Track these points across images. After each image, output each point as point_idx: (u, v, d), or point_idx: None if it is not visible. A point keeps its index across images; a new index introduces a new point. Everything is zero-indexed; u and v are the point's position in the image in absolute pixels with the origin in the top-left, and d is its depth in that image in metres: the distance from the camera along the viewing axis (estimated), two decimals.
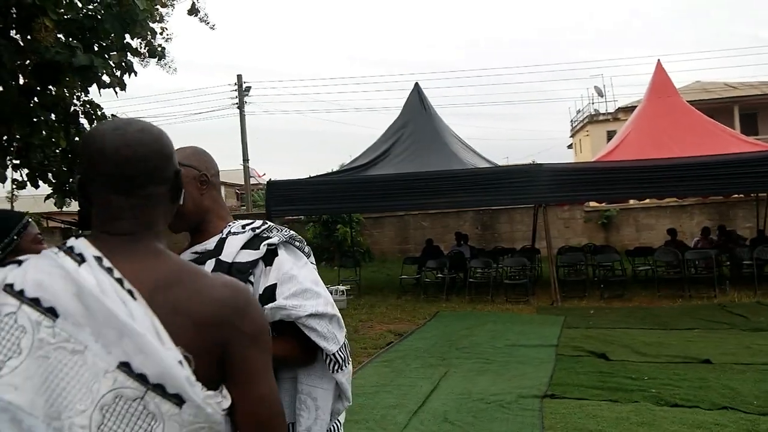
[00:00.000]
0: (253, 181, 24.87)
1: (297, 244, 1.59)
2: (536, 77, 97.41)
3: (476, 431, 4.12)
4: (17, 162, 7.21)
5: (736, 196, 14.17)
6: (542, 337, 7.04)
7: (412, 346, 6.90)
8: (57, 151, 7.38)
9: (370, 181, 10.63)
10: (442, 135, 11.97)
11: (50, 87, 6.85)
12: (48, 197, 7.22)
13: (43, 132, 7.30)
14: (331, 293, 7.91)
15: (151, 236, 0.98)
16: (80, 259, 0.90)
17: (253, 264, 1.49)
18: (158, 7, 8.13)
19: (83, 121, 7.46)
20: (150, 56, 8.45)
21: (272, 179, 11.40)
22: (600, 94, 28.96)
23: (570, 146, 36.41)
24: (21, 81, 6.66)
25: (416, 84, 12.73)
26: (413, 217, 17.85)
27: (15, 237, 1.80)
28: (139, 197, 0.97)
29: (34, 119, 6.74)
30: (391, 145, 11.73)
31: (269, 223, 1.61)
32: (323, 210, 13.59)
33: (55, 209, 8.22)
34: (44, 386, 0.85)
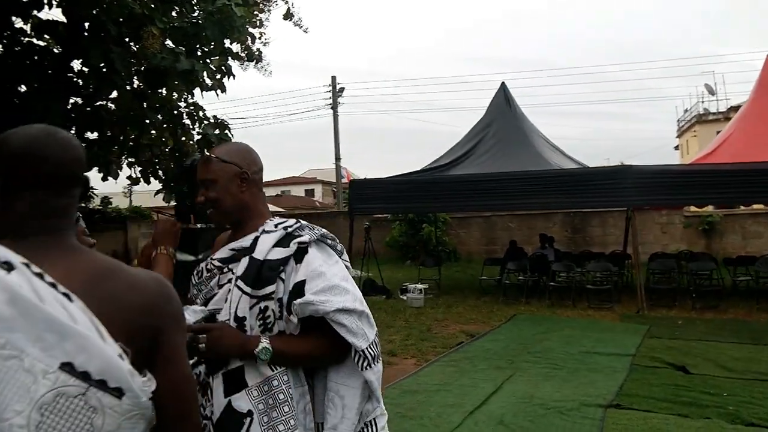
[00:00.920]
0: (344, 180, 25.54)
1: (329, 242, 1.62)
2: (641, 74, 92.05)
3: None
4: (131, 160, 7.96)
5: None
6: (620, 345, 6.78)
7: (482, 347, 6.88)
8: (165, 150, 8.07)
9: (450, 181, 10.64)
10: (527, 135, 11.76)
11: (159, 90, 7.52)
12: (157, 192, 7.89)
13: (152, 132, 8.03)
14: (409, 292, 8.14)
15: (72, 234, 1.07)
16: (8, 266, 0.92)
17: (284, 261, 1.52)
18: (256, 12, 8.67)
19: (186, 121, 8.12)
20: (248, 60, 9.03)
21: (354, 178, 11.71)
22: (711, 92, 27.07)
23: (677, 147, 34.26)
24: (134, 86, 7.36)
25: (502, 83, 12.58)
26: (500, 217, 17.58)
27: None
28: (68, 197, 1.06)
29: (145, 121, 7.42)
30: (475, 145, 11.67)
31: (302, 222, 1.65)
32: (404, 209, 13.72)
33: (164, 204, 8.96)
34: None
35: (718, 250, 14.12)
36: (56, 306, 0.91)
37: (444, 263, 15.53)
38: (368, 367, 1.50)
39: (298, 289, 1.50)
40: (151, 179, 8.07)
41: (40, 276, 0.93)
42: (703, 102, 27.29)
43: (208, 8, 6.83)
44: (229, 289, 1.55)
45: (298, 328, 1.53)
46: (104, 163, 7.37)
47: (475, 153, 11.47)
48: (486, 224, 17.94)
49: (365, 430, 1.57)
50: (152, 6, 6.26)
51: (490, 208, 13.32)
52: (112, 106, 7.48)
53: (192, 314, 1.51)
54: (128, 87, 7.13)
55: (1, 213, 1.03)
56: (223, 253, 1.62)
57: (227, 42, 7.49)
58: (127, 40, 6.65)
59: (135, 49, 6.77)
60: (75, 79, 6.69)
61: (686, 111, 30.19)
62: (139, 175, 7.99)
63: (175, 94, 7.83)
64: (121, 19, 6.20)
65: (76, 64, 6.73)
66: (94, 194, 17.62)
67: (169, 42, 6.93)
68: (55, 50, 6.75)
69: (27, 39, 6.63)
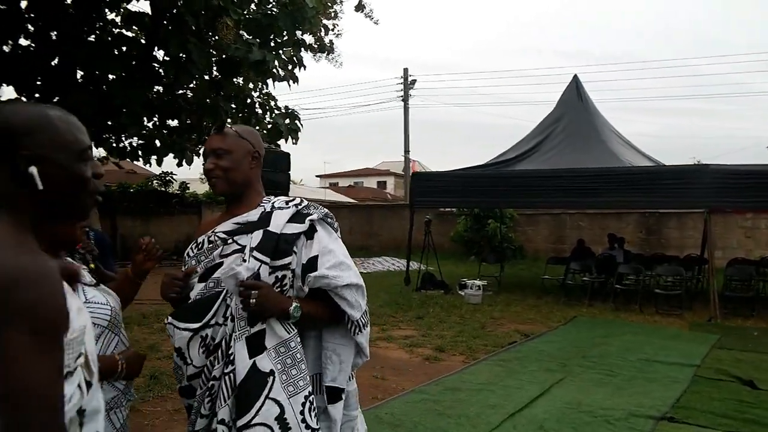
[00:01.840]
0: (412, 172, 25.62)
1: (329, 220, 1.83)
2: (733, 68, 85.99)
3: None
4: None
5: None
6: (684, 354, 6.48)
7: (535, 348, 6.77)
8: None
9: (517, 176, 10.46)
10: (599, 130, 11.34)
11: (234, 80, 7.83)
12: None
13: (227, 121, 8.38)
14: (467, 288, 8.14)
15: None
16: None
17: (298, 236, 1.72)
18: (330, 4, 8.82)
19: (259, 111, 8.42)
20: (320, 51, 9.22)
21: (416, 171, 11.72)
22: None
23: None
24: (211, 75, 7.70)
25: (575, 76, 12.18)
26: (570, 216, 17.09)
27: None
28: None
29: (219, 110, 7.76)
30: (542, 140, 11.39)
31: (305, 200, 1.84)
32: (467, 203, 13.58)
33: None
34: None
35: None
36: None
37: (509, 260, 15.31)
38: (359, 332, 1.77)
39: (312, 263, 1.70)
40: None
41: None
42: None
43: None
44: (244, 259, 1.70)
45: (305, 296, 1.73)
46: (179, 150, 7.79)
47: (543, 148, 11.19)
48: (555, 222, 17.50)
49: (351, 376, 1.84)
50: None
51: (556, 205, 12.97)
52: (190, 94, 7.87)
53: (246, 271, 1.67)
54: (205, 77, 7.48)
55: None
56: (227, 226, 1.78)
57: (299, 33, 7.69)
58: (204, 30, 6.97)
59: (213, 40, 7.09)
60: (157, 69, 7.08)
61: None
62: None
63: (250, 84, 8.14)
64: (199, 11, 6.50)
65: (158, 55, 7.12)
66: (174, 179, 18.62)
67: (243, 33, 7.20)
68: (141, 41, 7.17)
69: (117, 30, 7.09)
